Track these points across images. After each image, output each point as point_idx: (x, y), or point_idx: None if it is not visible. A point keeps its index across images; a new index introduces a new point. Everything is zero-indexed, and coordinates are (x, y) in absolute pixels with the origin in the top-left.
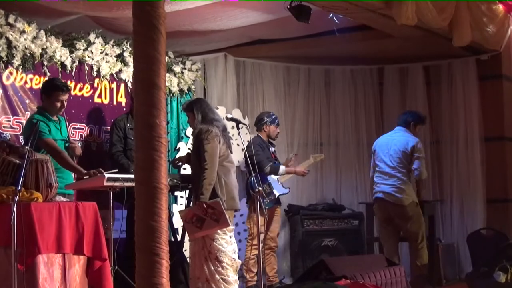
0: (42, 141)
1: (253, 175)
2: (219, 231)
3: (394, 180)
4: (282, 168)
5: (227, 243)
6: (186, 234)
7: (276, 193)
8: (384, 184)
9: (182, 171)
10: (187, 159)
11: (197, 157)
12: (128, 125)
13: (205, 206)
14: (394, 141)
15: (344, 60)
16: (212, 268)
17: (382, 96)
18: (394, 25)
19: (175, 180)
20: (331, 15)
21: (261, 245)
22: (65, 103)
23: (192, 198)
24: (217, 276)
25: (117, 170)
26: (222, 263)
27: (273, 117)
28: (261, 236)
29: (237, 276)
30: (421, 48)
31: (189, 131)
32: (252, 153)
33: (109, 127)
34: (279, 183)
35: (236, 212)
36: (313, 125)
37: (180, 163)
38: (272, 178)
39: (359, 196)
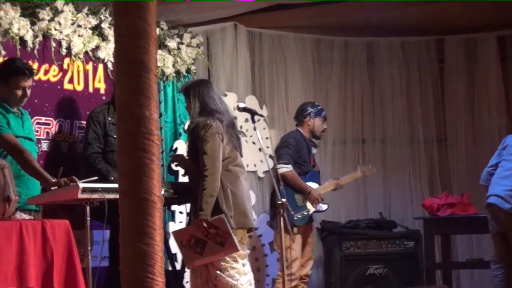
0: None
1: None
2: (226, 258)
3: None
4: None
5: (240, 273)
6: None
7: (310, 208)
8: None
9: (181, 179)
10: (185, 161)
11: (193, 161)
12: (109, 119)
13: (205, 225)
14: None
15: (391, 29)
16: None
17: (443, 76)
18: None
19: (172, 191)
20: None
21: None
22: (28, 91)
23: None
24: None
25: (96, 178)
26: None
27: (319, 108)
28: (294, 264)
29: None
30: (493, 14)
31: None
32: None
33: (84, 122)
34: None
35: (252, 232)
36: (352, 116)
37: (177, 165)
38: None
39: (415, 209)
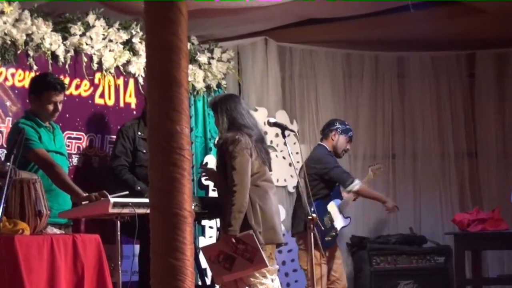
0: (30, 152)
1: (304, 196)
2: (256, 274)
3: None
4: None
5: (267, 274)
6: None
7: (338, 226)
8: None
9: (211, 193)
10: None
11: (222, 176)
12: (139, 133)
13: (234, 240)
14: None
15: (422, 44)
16: None
17: (474, 91)
18: None
19: (201, 205)
20: None
21: None
22: (60, 106)
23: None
24: None
25: (127, 192)
26: None
27: (347, 127)
28: (322, 281)
29: None
30: None
31: None
32: (315, 167)
33: (115, 136)
34: (339, 212)
35: (281, 247)
36: (383, 130)
37: (207, 179)
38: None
39: (445, 224)
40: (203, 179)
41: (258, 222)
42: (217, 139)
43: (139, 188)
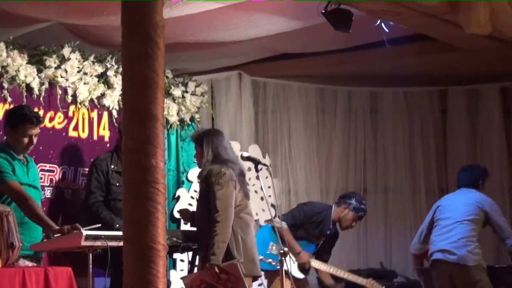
0: (4, 185)
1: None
2: None
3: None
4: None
5: None
6: None
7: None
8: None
9: (183, 226)
10: (192, 216)
11: (205, 207)
12: (112, 166)
13: (217, 270)
14: (463, 196)
15: (395, 80)
16: None
17: (446, 127)
18: (461, 34)
19: (175, 239)
20: (378, 22)
21: None
22: (35, 139)
23: (198, 261)
24: None
25: (99, 225)
26: None
27: (362, 207)
28: None
29: None
30: (497, 65)
31: (192, 174)
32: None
33: (87, 169)
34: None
35: (256, 280)
36: (355, 165)
37: (184, 222)
38: None
39: None
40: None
41: (240, 253)
42: (191, 172)
43: (117, 225)
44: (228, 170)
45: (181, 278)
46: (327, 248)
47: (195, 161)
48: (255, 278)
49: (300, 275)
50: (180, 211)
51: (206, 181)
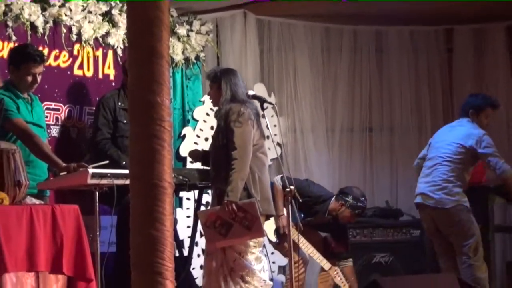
0: (8, 122)
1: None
2: (250, 243)
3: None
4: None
5: (257, 260)
6: (195, 247)
7: None
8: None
9: (189, 165)
10: (202, 156)
11: (222, 145)
12: (120, 104)
13: (234, 207)
14: (452, 132)
15: (401, 19)
16: None
17: (452, 66)
18: None
19: (181, 177)
20: None
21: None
22: (39, 78)
23: (212, 198)
24: None
25: (107, 162)
26: (249, 284)
27: (359, 205)
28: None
29: None
30: (503, 4)
31: (197, 112)
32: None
33: (94, 108)
34: None
35: (267, 220)
36: (360, 104)
37: (191, 160)
38: None
39: None
40: (189, 159)
41: (257, 192)
42: (196, 110)
43: (124, 163)
44: (247, 110)
45: (198, 213)
46: (332, 234)
47: (201, 100)
48: (268, 217)
49: (273, 238)
50: (190, 153)
51: (225, 119)
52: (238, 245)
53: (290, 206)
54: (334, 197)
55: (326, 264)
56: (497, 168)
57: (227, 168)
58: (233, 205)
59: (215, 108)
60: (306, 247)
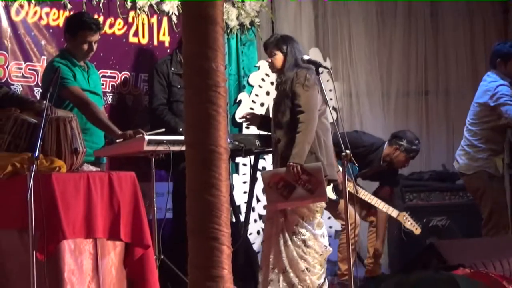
0: (65, 90)
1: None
2: (313, 208)
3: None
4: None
5: (319, 226)
6: (252, 212)
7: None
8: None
9: (245, 131)
10: (260, 120)
11: (287, 109)
12: (173, 69)
13: (299, 170)
14: (477, 94)
15: None
16: (295, 254)
17: (508, 29)
18: None
19: (237, 143)
20: None
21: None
22: (95, 46)
23: (274, 161)
24: (301, 265)
25: (163, 130)
26: (310, 249)
27: (414, 148)
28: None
29: (325, 268)
30: None
31: (253, 78)
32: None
33: (148, 74)
34: None
35: (329, 185)
36: (416, 68)
37: (248, 122)
38: None
39: None
40: (244, 124)
41: (323, 156)
42: (252, 75)
43: (180, 129)
44: (312, 75)
45: (261, 173)
46: (383, 181)
47: (256, 65)
48: (330, 182)
49: (333, 196)
50: (249, 115)
51: (292, 83)
52: (301, 209)
53: (345, 170)
54: (387, 142)
55: (394, 212)
56: (504, 116)
57: (292, 132)
58: (298, 167)
59: (271, 74)
60: (370, 198)
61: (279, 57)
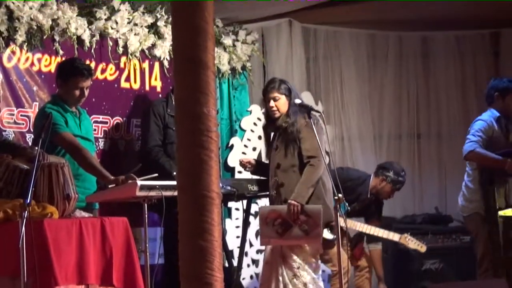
0: (57, 136)
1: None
2: (313, 251)
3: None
4: None
5: (316, 270)
6: (245, 257)
7: None
8: None
9: (237, 175)
10: (257, 166)
11: (293, 151)
12: (169, 111)
13: (299, 210)
14: None
15: (446, 23)
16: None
17: (499, 70)
18: None
19: (229, 187)
20: None
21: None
22: (86, 92)
23: (274, 204)
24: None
25: (156, 175)
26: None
27: (400, 179)
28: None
29: None
30: None
31: (245, 122)
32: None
33: (140, 120)
34: None
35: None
36: (408, 110)
37: (248, 167)
38: None
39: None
40: (237, 168)
41: (327, 198)
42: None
43: (174, 173)
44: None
45: (259, 208)
46: (369, 214)
47: (248, 110)
48: (327, 225)
49: (329, 236)
50: (248, 164)
51: (299, 127)
52: (303, 252)
53: (338, 214)
54: (373, 174)
55: (395, 236)
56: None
57: (298, 176)
58: (299, 207)
59: (262, 118)
60: (367, 228)
61: (283, 101)
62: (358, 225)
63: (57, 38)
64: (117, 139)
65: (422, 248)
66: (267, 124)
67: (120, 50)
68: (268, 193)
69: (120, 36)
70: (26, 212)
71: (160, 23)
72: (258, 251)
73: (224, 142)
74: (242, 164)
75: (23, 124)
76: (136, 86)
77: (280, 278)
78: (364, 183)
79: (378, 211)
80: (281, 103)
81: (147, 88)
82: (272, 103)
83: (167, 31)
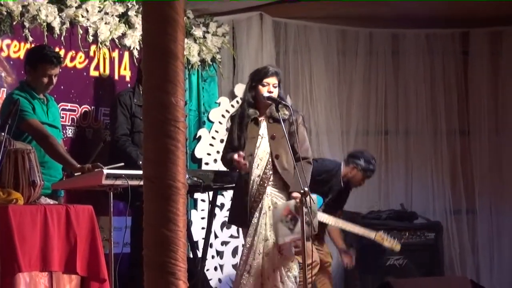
0: (24, 123)
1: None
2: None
3: None
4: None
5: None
6: (209, 248)
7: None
8: None
9: (204, 167)
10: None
11: (290, 146)
12: (135, 100)
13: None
14: None
15: (417, 21)
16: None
17: (467, 69)
18: None
19: (196, 178)
20: None
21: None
22: (55, 79)
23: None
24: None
25: (122, 164)
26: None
27: (371, 168)
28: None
29: None
30: None
31: (213, 114)
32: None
33: (109, 108)
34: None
35: None
36: (376, 107)
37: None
38: None
39: (437, 200)
40: (204, 160)
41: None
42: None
43: (141, 163)
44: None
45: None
46: (338, 204)
47: (216, 102)
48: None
49: (326, 219)
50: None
51: (293, 120)
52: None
53: (304, 208)
54: (343, 162)
55: (371, 233)
56: None
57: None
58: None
59: (231, 110)
60: (343, 224)
61: (277, 91)
62: (332, 220)
63: (27, 24)
64: (85, 127)
65: (397, 246)
66: (248, 111)
67: (90, 38)
68: (233, 185)
69: (91, 25)
70: None
71: (131, 13)
72: (223, 243)
73: (192, 133)
74: (239, 166)
75: None
76: (105, 75)
77: (277, 271)
78: (337, 174)
79: (343, 202)
80: (276, 92)
81: (116, 77)
82: (271, 88)
83: (137, 21)
